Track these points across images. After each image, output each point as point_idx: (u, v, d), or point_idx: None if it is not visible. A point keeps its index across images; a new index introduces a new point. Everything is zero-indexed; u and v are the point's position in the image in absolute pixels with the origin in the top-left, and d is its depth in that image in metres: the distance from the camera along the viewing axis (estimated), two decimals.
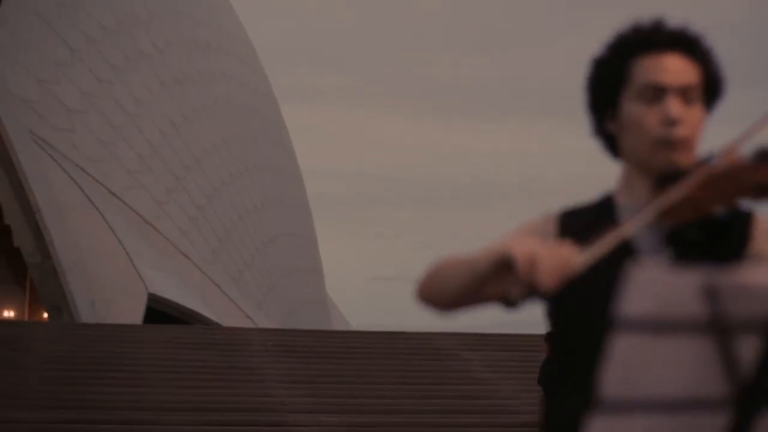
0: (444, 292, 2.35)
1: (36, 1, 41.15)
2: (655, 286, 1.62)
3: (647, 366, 1.66)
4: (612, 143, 2.45)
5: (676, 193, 2.25)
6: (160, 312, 33.71)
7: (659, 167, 2.35)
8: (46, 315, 33.35)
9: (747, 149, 2.27)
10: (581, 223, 2.41)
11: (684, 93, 2.38)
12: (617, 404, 1.66)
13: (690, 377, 1.68)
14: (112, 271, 33.88)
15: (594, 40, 2.53)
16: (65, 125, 38.94)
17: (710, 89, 2.44)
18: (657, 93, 2.37)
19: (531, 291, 2.16)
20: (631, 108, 2.39)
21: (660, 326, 1.63)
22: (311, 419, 17.86)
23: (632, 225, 2.27)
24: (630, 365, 1.66)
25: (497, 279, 2.23)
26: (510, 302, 2.21)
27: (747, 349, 1.68)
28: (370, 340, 24.43)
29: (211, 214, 40.80)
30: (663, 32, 2.42)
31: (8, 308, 35.54)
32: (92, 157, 38.79)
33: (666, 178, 2.31)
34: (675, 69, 2.39)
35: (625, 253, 2.33)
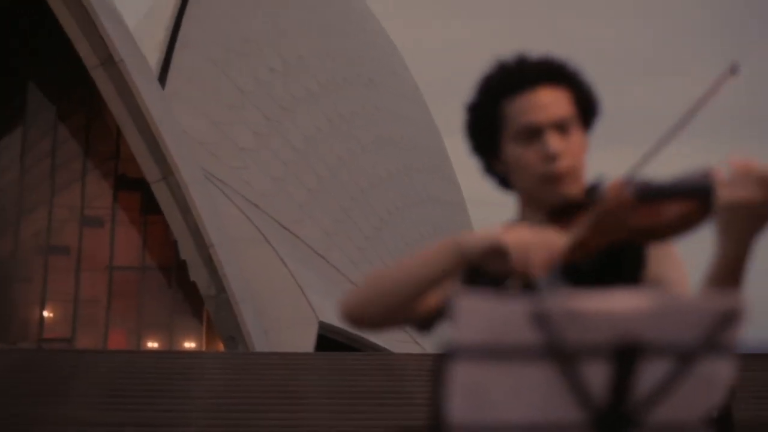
0: (384, 303, 2.25)
1: (208, 48, 42.21)
2: (484, 314, 1.59)
3: (493, 392, 1.63)
4: (505, 181, 2.41)
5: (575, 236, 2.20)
6: (331, 340, 34.04)
7: (549, 202, 2.31)
8: (222, 345, 34.01)
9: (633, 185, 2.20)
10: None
11: (560, 125, 2.33)
12: (468, 430, 1.64)
13: (540, 402, 1.64)
14: (284, 301, 34.37)
15: None
16: (238, 163, 39.80)
17: (584, 110, 2.38)
18: (533, 132, 2.32)
19: (524, 278, 2.13)
20: (512, 150, 2.34)
21: (496, 353, 1.60)
22: None
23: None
24: (475, 391, 1.62)
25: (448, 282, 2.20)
26: (429, 324, 2.19)
27: (595, 375, 1.63)
28: None
29: (379, 244, 41.11)
30: (527, 69, 2.36)
31: (188, 339, 36.36)
32: (264, 193, 39.52)
33: (557, 211, 2.27)
34: (546, 105, 2.33)
35: (523, 284, 2.30)
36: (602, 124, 2.42)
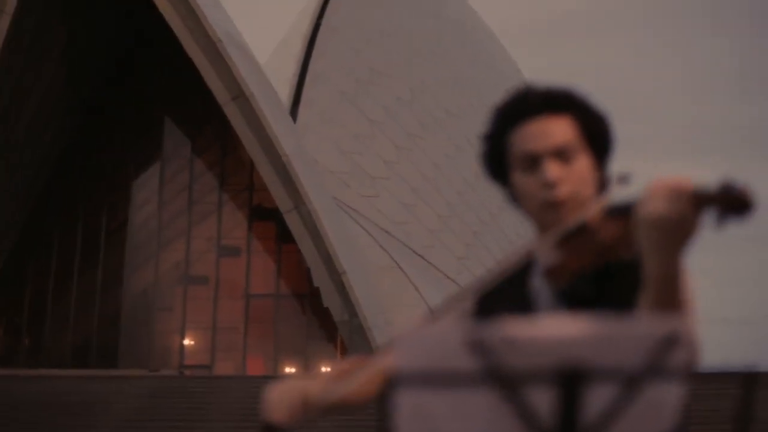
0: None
1: (337, 80, 42.66)
2: (422, 341, 1.57)
3: (439, 418, 1.61)
4: None
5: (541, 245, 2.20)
6: None
7: (550, 228, 2.30)
8: None
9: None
10: (497, 286, 2.35)
11: (560, 153, 2.31)
12: None
13: (487, 428, 1.62)
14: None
15: None
16: (369, 191, 40.07)
17: (593, 138, 2.35)
18: (533, 160, 2.31)
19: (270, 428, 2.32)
20: (517, 178, 2.34)
21: (438, 380, 1.58)
22: None
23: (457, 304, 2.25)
24: (421, 418, 1.61)
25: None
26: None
27: (541, 400, 1.60)
28: None
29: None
30: (530, 99, 2.35)
31: (323, 364, 36.64)
32: (396, 220, 39.70)
33: (564, 236, 2.25)
34: (545, 133, 2.31)
35: (525, 310, 2.29)
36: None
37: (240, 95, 32.51)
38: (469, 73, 45.97)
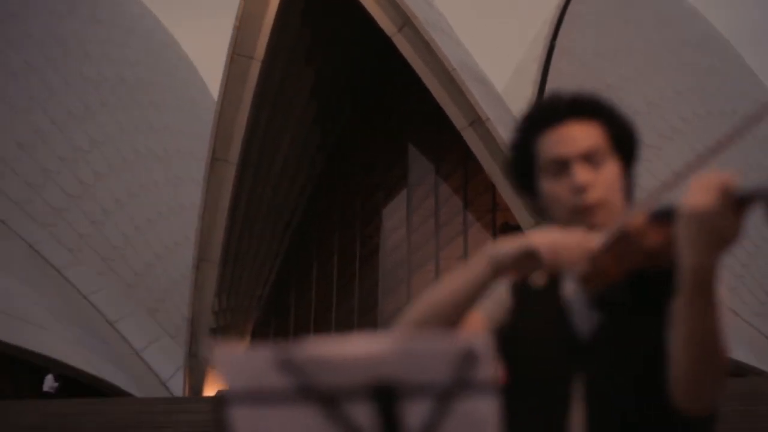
0: (431, 323, 2.29)
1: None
2: (236, 363, 1.59)
3: None
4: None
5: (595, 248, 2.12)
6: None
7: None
8: None
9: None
10: (530, 291, 2.30)
11: (589, 157, 2.24)
12: None
13: None
14: None
15: None
16: None
17: (620, 143, 2.28)
18: (562, 165, 2.25)
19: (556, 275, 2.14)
20: (544, 184, 2.29)
21: (259, 399, 1.60)
22: None
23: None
24: None
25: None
26: None
27: (363, 416, 1.60)
28: None
29: (754, 271, 39.42)
30: (558, 105, 2.30)
31: None
32: None
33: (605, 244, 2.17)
34: (573, 137, 2.26)
35: (559, 315, 2.23)
36: None
37: (476, 120, 32.64)
38: (706, 81, 44.73)
